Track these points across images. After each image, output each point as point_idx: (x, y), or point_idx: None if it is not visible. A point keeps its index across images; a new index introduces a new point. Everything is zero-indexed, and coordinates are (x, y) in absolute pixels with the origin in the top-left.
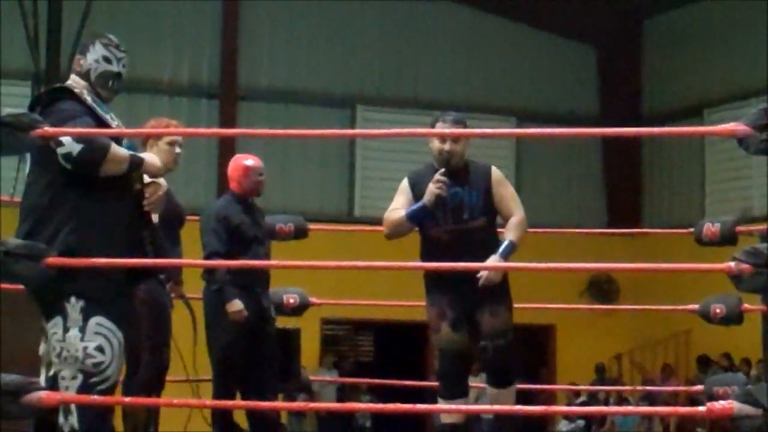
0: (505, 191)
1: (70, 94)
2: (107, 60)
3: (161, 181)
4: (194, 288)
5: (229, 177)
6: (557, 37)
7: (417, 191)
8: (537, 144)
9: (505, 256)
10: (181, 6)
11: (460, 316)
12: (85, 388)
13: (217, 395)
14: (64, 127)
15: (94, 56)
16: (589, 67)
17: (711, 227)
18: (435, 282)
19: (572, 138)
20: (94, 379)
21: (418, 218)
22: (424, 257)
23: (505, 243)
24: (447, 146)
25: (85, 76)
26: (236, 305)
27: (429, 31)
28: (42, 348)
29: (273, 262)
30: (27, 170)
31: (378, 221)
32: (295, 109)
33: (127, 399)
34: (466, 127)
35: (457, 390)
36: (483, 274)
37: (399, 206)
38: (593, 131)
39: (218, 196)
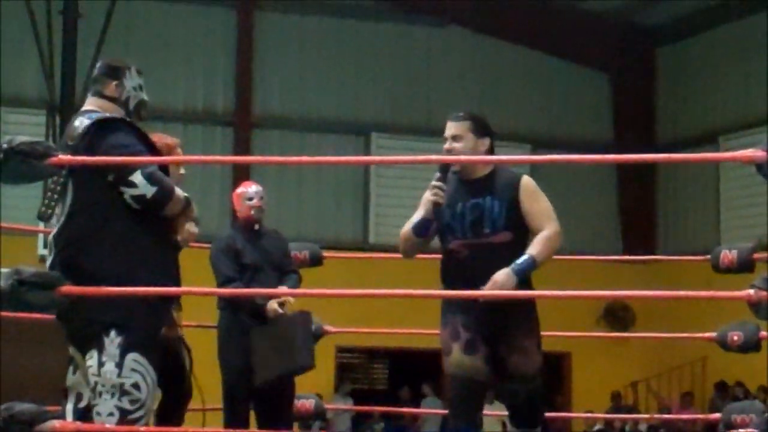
0: (535, 204)
1: (122, 123)
2: (142, 88)
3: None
4: (198, 316)
5: None
6: (571, 64)
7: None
8: (551, 171)
9: (519, 272)
10: (194, 34)
11: (475, 338)
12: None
13: (227, 421)
14: (129, 165)
15: (132, 83)
16: (603, 94)
17: (728, 254)
18: (451, 300)
19: (586, 165)
20: (130, 417)
21: (423, 230)
22: (443, 273)
23: (523, 257)
24: (447, 145)
25: (123, 103)
26: (271, 308)
27: (443, 58)
28: (70, 378)
29: (286, 289)
30: (68, 201)
31: (393, 249)
32: (309, 137)
33: (142, 429)
34: (478, 121)
35: (467, 421)
36: (490, 285)
37: (415, 219)
38: (609, 158)
39: (232, 224)
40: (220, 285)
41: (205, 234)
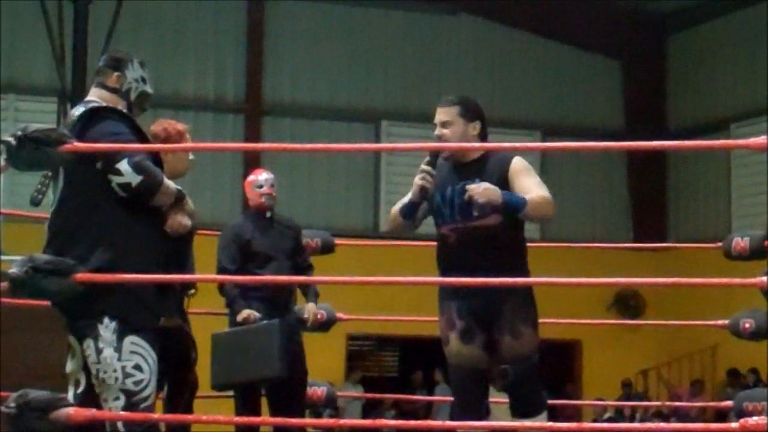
0: (525, 179)
1: (114, 112)
2: (145, 81)
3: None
4: (211, 303)
5: None
6: (582, 52)
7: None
8: (562, 158)
9: (508, 200)
10: (205, 22)
11: (471, 325)
12: (128, 408)
13: (238, 408)
14: (117, 152)
15: (134, 75)
16: (614, 82)
17: (740, 241)
18: (446, 287)
19: (598, 152)
20: (136, 398)
21: (408, 212)
22: (437, 259)
23: (518, 195)
24: (436, 131)
25: (124, 94)
26: (243, 314)
27: (454, 46)
28: (69, 365)
29: (296, 277)
30: (59, 187)
31: (404, 237)
32: (319, 124)
33: (155, 415)
34: (467, 105)
35: (472, 410)
36: (472, 187)
37: (405, 200)
38: (620, 145)
39: (244, 211)
40: (217, 274)
41: (217, 221)
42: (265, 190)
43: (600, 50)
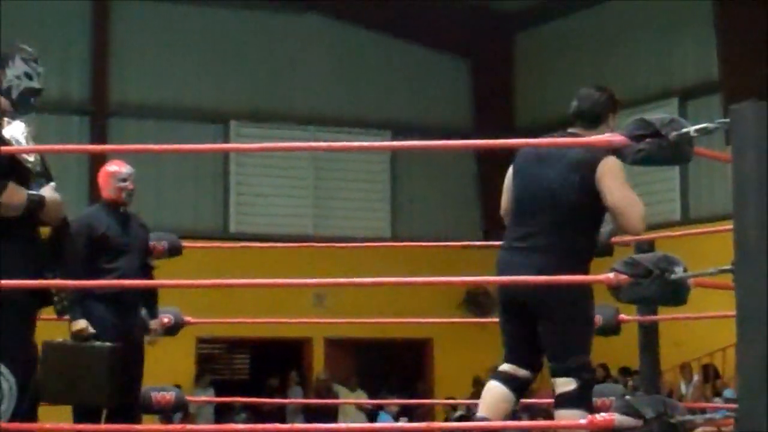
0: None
1: None
2: (29, 76)
3: (56, 195)
4: None
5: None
6: (431, 51)
7: None
8: (412, 157)
9: None
10: (49, 21)
11: None
12: None
13: (78, 416)
14: None
15: (14, 72)
16: (462, 80)
17: None
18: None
19: (447, 151)
20: None
21: None
22: (591, 253)
23: None
24: None
25: (5, 92)
26: (79, 324)
27: (303, 46)
28: None
29: (145, 281)
30: None
31: (254, 238)
32: (167, 125)
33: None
34: None
35: None
36: None
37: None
38: (468, 143)
39: (101, 204)
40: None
41: None
42: (127, 185)
43: (448, 49)
